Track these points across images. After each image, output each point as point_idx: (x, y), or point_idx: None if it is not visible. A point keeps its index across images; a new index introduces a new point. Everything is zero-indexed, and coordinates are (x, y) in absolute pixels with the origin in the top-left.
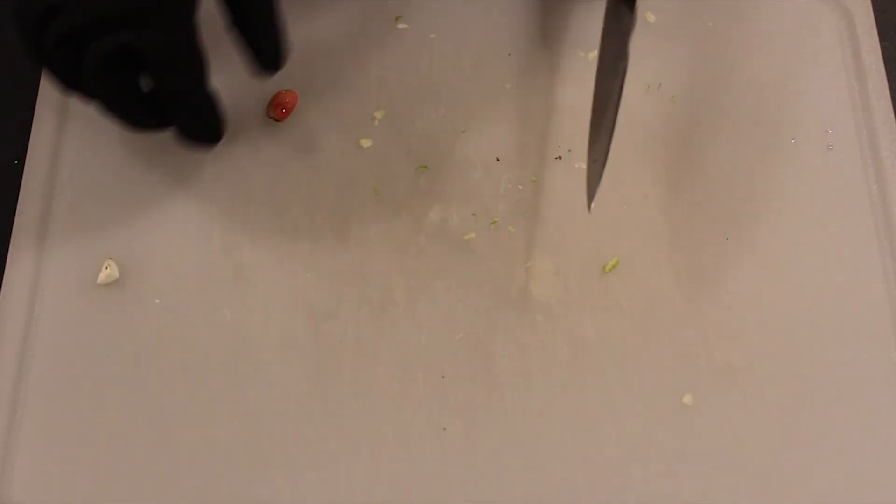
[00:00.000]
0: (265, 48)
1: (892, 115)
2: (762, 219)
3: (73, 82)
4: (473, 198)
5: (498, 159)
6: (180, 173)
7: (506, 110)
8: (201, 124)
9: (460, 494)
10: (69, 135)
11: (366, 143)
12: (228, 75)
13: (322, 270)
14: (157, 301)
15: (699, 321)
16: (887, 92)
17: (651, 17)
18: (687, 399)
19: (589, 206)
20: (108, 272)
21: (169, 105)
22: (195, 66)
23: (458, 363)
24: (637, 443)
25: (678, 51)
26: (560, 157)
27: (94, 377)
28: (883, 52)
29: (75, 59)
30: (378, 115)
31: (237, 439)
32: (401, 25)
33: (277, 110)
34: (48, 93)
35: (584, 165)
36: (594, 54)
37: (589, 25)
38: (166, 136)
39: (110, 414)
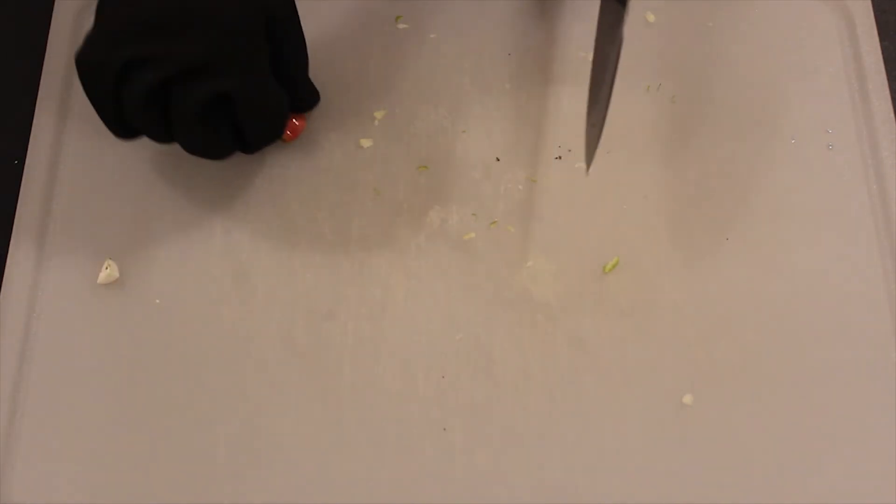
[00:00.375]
0: (301, 93)
1: (892, 115)
2: (762, 219)
3: (154, 131)
4: (473, 198)
5: (498, 159)
6: (180, 174)
7: (506, 110)
8: (271, 140)
9: (460, 494)
10: (69, 135)
11: (366, 143)
12: None
13: (322, 270)
14: (157, 301)
15: (699, 321)
16: (887, 92)
17: (651, 17)
18: (687, 399)
19: (587, 169)
20: (108, 272)
21: (252, 135)
22: (277, 102)
23: (458, 363)
24: (637, 443)
25: (678, 51)
26: (560, 157)
27: (94, 377)
28: (883, 52)
29: (162, 108)
30: (378, 115)
31: (237, 439)
32: (401, 25)
33: (288, 130)
34: (48, 93)
35: (584, 165)
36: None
37: (589, 25)
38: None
39: (110, 414)
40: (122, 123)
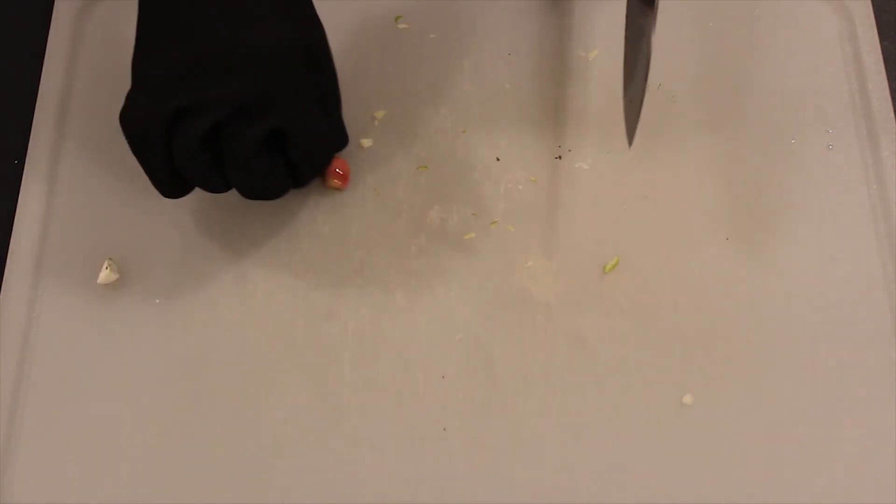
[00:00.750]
0: (334, 129)
1: (892, 115)
2: (762, 219)
3: (209, 181)
4: (473, 198)
5: (498, 159)
6: None
7: (506, 110)
8: (320, 170)
9: (460, 494)
10: (69, 135)
11: (366, 143)
12: None
13: (322, 270)
14: (157, 301)
15: (699, 321)
16: (887, 92)
17: None
18: (687, 399)
19: (630, 143)
20: (108, 272)
21: (304, 168)
22: (326, 131)
23: (458, 363)
24: (637, 443)
25: (678, 51)
26: (560, 157)
27: (94, 377)
28: (883, 52)
29: (214, 155)
30: (378, 115)
31: (237, 439)
32: (401, 25)
33: (337, 179)
34: (48, 93)
35: (584, 165)
36: (594, 54)
37: (589, 25)
38: None
39: (110, 414)
40: (173, 179)
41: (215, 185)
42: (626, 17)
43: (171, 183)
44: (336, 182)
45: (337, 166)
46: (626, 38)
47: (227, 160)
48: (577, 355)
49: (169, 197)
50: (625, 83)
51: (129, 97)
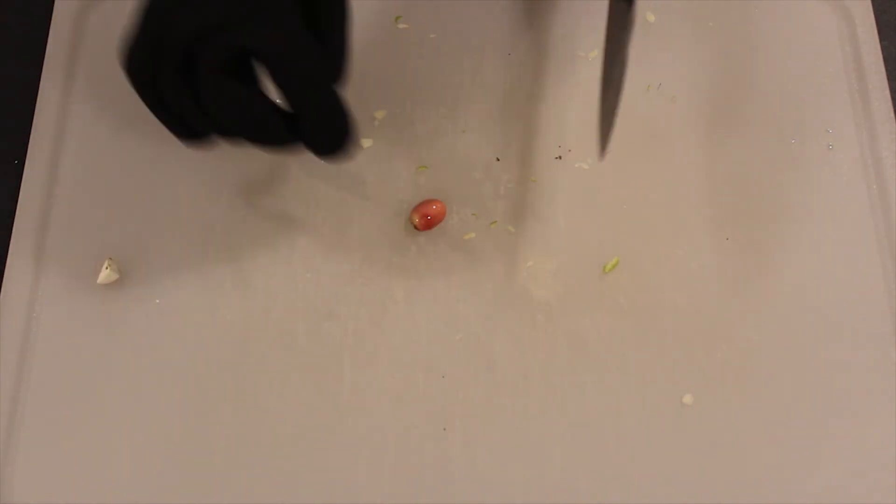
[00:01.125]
0: (331, 55)
1: (892, 115)
2: (762, 219)
3: (192, 112)
4: (473, 198)
5: (498, 159)
6: (180, 173)
7: (506, 110)
8: (333, 129)
9: (460, 494)
10: (69, 135)
11: (366, 143)
12: None
13: (322, 270)
14: (157, 301)
15: (699, 321)
16: (887, 92)
17: (651, 17)
18: (687, 399)
19: (602, 155)
20: (108, 272)
21: (300, 109)
22: (318, 61)
23: (458, 363)
24: (637, 443)
25: (678, 51)
26: (560, 157)
27: (94, 377)
28: (883, 52)
29: (193, 83)
30: (378, 115)
31: (237, 439)
32: (401, 25)
33: (420, 217)
34: (48, 93)
35: (584, 165)
36: (594, 54)
37: (589, 25)
38: (170, 136)
39: (110, 414)
40: (179, 120)
41: (204, 123)
42: (607, 26)
43: (180, 124)
44: (416, 220)
45: (433, 204)
46: (605, 48)
47: (200, 88)
48: (577, 355)
49: (186, 141)
50: (601, 93)
51: (125, 43)
